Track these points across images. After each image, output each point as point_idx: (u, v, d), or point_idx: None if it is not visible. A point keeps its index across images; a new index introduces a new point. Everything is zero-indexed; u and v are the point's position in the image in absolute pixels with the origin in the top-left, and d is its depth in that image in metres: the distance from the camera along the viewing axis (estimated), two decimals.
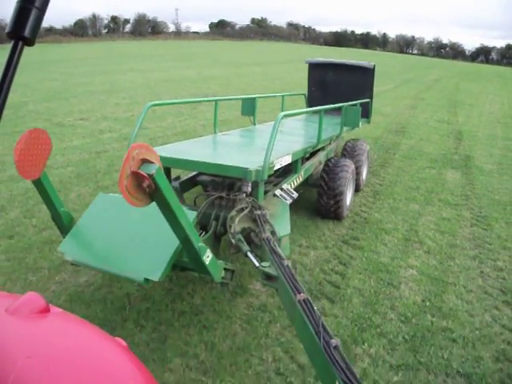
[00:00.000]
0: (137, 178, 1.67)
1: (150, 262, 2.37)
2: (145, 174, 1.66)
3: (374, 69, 6.62)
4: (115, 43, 52.77)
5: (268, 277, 2.37)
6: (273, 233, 2.79)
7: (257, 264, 2.54)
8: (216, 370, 2.51)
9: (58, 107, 11.48)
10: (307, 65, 7.40)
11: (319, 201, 4.52)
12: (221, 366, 2.54)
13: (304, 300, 1.91)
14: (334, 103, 4.98)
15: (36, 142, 2.21)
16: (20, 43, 0.74)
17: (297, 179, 4.00)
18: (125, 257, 2.46)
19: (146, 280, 2.31)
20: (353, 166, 4.71)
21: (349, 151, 5.65)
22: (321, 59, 7.53)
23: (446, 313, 3.11)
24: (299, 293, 1.97)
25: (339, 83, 6.89)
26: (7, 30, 0.74)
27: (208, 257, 2.28)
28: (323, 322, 1.77)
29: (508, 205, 5.42)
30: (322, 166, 4.68)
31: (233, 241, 2.79)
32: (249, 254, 2.67)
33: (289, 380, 2.44)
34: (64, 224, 2.71)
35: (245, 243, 2.76)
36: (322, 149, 4.89)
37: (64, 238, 2.76)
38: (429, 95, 17.53)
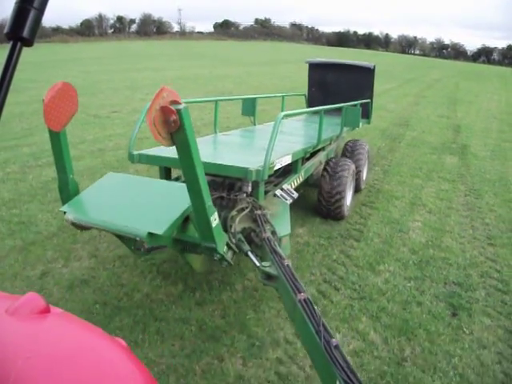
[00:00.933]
0: (165, 113, 1.77)
1: (155, 220, 2.39)
2: (173, 109, 1.77)
3: (374, 69, 6.64)
4: (123, 43, 53.82)
5: (268, 276, 2.40)
6: (273, 233, 2.83)
7: (257, 264, 2.56)
8: None
9: (89, 101, 12.45)
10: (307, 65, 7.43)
11: (319, 201, 4.56)
12: None
13: (304, 299, 1.94)
14: (334, 103, 5.05)
15: (65, 95, 2.25)
16: (19, 44, 0.74)
17: (297, 179, 4.02)
18: (129, 217, 2.45)
19: (150, 234, 2.28)
20: (353, 166, 4.75)
21: (349, 151, 5.68)
22: (321, 59, 7.53)
23: (444, 248, 4.14)
24: (300, 292, 2.00)
25: (339, 83, 6.87)
26: (6, 30, 0.75)
27: (215, 219, 2.28)
28: (323, 321, 1.79)
29: (497, 181, 6.44)
30: (322, 166, 4.71)
31: (233, 240, 2.77)
32: (249, 253, 2.68)
33: (333, 285, 3.47)
34: (69, 192, 2.67)
35: (245, 243, 2.76)
36: (323, 149, 4.89)
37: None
38: (430, 93, 18.53)
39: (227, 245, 2.56)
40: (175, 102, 1.81)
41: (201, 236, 2.38)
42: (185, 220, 2.49)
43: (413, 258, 3.93)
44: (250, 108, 5.66)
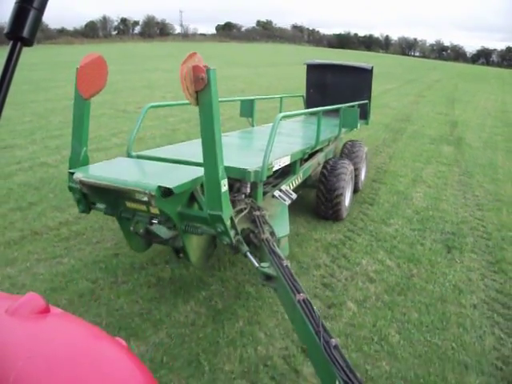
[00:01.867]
0: (195, 71, 2.02)
1: (167, 179, 2.46)
2: (203, 67, 2.02)
3: (372, 70, 6.69)
4: (128, 44, 54.82)
5: (267, 277, 2.44)
6: (272, 233, 2.86)
7: (256, 264, 2.59)
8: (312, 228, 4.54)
9: (114, 99, 13.44)
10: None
11: (318, 202, 4.60)
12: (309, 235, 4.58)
13: (304, 300, 1.96)
14: (332, 104, 5.08)
15: (98, 68, 2.43)
16: (18, 44, 0.75)
17: (295, 180, 4.06)
18: (139, 177, 2.52)
19: (160, 188, 2.27)
20: (351, 167, 4.79)
21: (347, 152, 5.69)
22: (319, 61, 7.54)
23: (441, 211, 5.18)
24: (299, 293, 2.02)
25: (337, 84, 6.88)
26: (6, 30, 0.75)
27: (225, 185, 2.34)
28: (323, 321, 1.81)
29: (486, 166, 7.49)
30: (320, 167, 4.74)
31: (233, 241, 2.79)
32: (248, 254, 2.71)
33: (356, 232, 4.50)
34: (79, 164, 2.70)
35: (244, 244, 2.78)
36: (321, 150, 4.93)
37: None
38: (430, 93, 19.57)
39: (231, 220, 2.53)
40: (205, 66, 2.03)
41: (208, 203, 2.40)
42: (190, 198, 2.63)
43: (416, 216, 4.97)
44: (247, 109, 5.69)
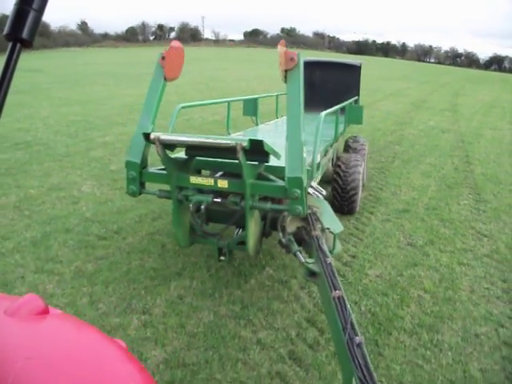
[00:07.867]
0: (287, 54, 2.73)
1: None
2: (295, 53, 2.74)
3: (360, 67, 7.02)
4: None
5: (312, 273, 2.62)
6: (322, 231, 2.97)
7: (302, 260, 2.76)
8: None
9: (219, 87, 20.51)
10: None
11: (334, 196, 4.84)
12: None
13: (338, 297, 2.08)
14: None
15: (178, 57, 2.95)
16: (18, 45, 0.77)
17: (317, 177, 4.18)
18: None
19: (251, 141, 2.40)
20: (364, 163, 5.05)
21: (352, 147, 5.95)
22: (308, 58, 7.61)
23: (440, 126, 12.43)
24: (335, 290, 2.16)
25: (326, 81, 7.07)
26: (5, 32, 0.77)
27: (305, 152, 2.61)
28: (352, 319, 1.92)
29: (469, 118, 14.70)
30: (330, 163, 4.96)
31: (283, 240, 2.96)
32: (298, 254, 2.86)
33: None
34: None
35: (295, 243, 2.94)
36: (331, 146, 5.19)
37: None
38: (441, 90, 26.68)
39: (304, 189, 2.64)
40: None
41: (289, 167, 2.61)
42: (258, 178, 2.84)
43: (429, 127, 12.21)
44: (251, 108, 5.71)
